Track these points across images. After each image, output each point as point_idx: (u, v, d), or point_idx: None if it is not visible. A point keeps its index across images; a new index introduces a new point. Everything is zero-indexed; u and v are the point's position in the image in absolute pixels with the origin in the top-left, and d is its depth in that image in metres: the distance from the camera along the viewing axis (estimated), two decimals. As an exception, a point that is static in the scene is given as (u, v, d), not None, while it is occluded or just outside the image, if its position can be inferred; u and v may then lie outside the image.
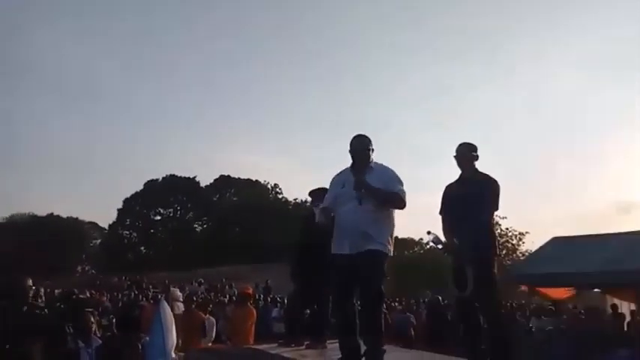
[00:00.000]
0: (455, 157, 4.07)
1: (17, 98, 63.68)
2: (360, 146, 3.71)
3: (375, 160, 3.75)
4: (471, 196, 3.82)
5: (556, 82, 62.46)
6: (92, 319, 4.75)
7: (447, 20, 65.88)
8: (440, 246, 3.93)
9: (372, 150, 3.75)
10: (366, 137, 3.77)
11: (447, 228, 4.00)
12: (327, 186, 3.96)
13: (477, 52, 66.71)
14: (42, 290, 4.19)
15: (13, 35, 61.39)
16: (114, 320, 5.57)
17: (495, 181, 3.94)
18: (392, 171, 3.73)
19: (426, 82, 67.17)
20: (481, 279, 3.73)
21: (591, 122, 66.17)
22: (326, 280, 4.41)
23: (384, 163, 3.78)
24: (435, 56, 67.77)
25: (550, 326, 10.54)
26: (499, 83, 66.66)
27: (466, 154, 4.04)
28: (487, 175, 3.99)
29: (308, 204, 5.14)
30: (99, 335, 5.34)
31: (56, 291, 9.94)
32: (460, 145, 4.07)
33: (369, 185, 3.55)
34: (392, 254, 3.63)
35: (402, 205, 3.66)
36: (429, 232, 3.97)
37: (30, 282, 3.71)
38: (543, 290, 11.00)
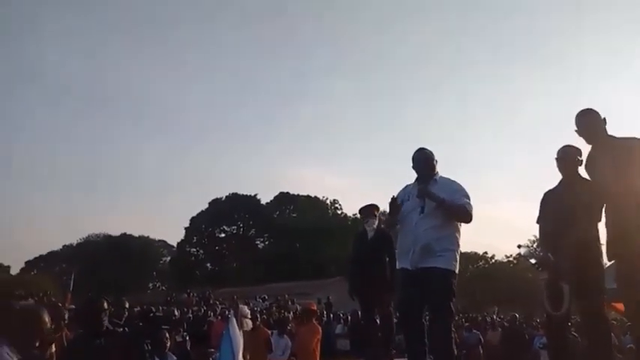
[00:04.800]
0: (557, 159, 3.66)
1: (95, 125, 68.06)
2: (423, 158, 3.69)
3: (440, 174, 3.71)
4: (573, 205, 3.46)
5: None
6: (167, 336, 4.98)
7: (488, 35, 64.16)
8: (533, 260, 3.67)
9: (436, 162, 3.72)
10: (428, 150, 3.75)
11: (543, 240, 3.71)
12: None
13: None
14: (126, 304, 4.38)
15: (91, 61, 65.86)
16: (187, 337, 5.80)
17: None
18: (457, 184, 3.67)
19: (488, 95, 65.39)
20: (583, 295, 3.41)
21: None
22: (387, 295, 4.42)
23: (450, 177, 3.72)
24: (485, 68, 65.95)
25: (630, 344, 9.87)
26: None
27: (570, 157, 3.63)
28: (589, 182, 3.58)
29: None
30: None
31: (135, 309, 10.43)
32: (563, 147, 3.68)
33: (433, 193, 3.49)
34: (457, 270, 3.55)
35: (467, 217, 3.57)
36: (519, 246, 3.80)
37: (105, 304, 3.78)
38: (618, 305, 10.32)
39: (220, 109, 69.81)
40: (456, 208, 3.53)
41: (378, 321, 4.77)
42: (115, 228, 56.68)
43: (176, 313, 11.69)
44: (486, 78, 66.31)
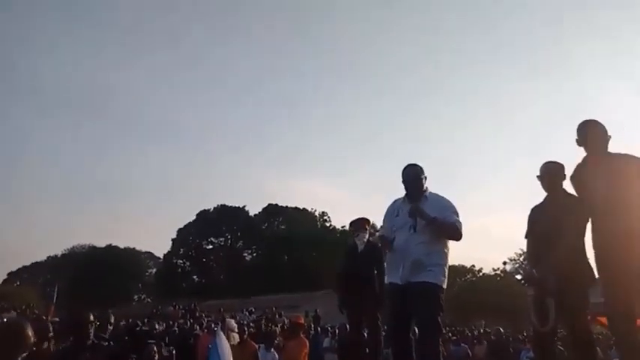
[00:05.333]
0: (539, 177, 3.68)
1: (81, 136, 67.51)
2: (413, 175, 3.70)
3: (430, 190, 3.72)
4: (559, 220, 3.46)
5: None
6: (155, 350, 4.94)
7: (493, 43, 65.14)
8: (519, 276, 3.75)
9: (425, 179, 3.73)
10: (418, 166, 3.76)
11: (529, 255, 3.77)
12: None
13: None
14: (112, 318, 4.30)
15: (78, 69, 65.44)
16: (173, 351, 5.75)
17: (583, 203, 3.54)
18: (447, 200, 3.69)
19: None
20: (568, 310, 3.42)
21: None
22: (376, 309, 4.43)
23: (439, 193, 3.74)
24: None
25: (616, 358, 9.93)
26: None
27: (553, 173, 3.65)
28: (574, 197, 3.61)
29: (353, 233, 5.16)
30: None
31: (121, 323, 10.28)
32: (545, 163, 3.68)
33: (424, 212, 3.51)
34: (445, 285, 3.56)
35: (457, 235, 3.60)
36: (504, 263, 3.80)
37: (91, 317, 3.73)
38: (604, 319, 10.40)
39: (209, 120, 69.80)
40: (447, 227, 3.56)
41: (365, 335, 4.77)
42: (100, 239, 56.00)
43: (157, 326, 11.56)
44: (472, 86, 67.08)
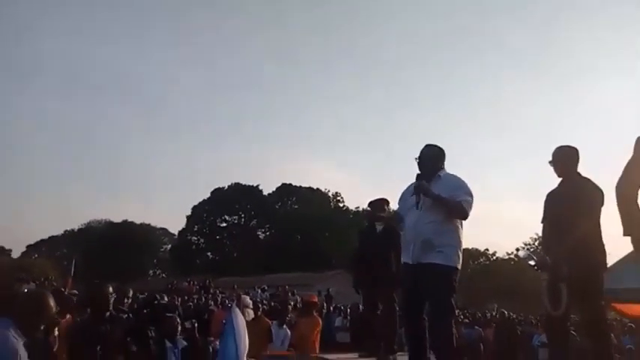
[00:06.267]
0: (552, 162, 3.70)
1: (96, 111, 68.17)
2: (427, 154, 3.67)
3: (446, 171, 3.68)
4: (573, 205, 3.48)
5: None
6: (178, 321, 5.04)
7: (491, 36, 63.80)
8: (532, 262, 3.73)
9: (443, 160, 3.69)
10: (436, 147, 3.72)
11: (544, 241, 3.79)
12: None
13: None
14: (130, 292, 4.41)
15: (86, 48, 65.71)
16: (195, 324, 5.88)
17: (598, 187, 3.56)
18: (460, 180, 3.64)
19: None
20: (581, 295, 3.45)
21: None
22: (392, 290, 4.44)
23: (457, 174, 3.69)
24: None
25: (630, 345, 9.90)
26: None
27: (566, 157, 3.66)
28: (590, 181, 3.61)
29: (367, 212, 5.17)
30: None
31: (140, 296, 10.47)
32: (558, 147, 3.70)
33: (429, 190, 3.49)
34: (459, 267, 3.53)
35: (462, 214, 3.53)
36: (517, 249, 3.83)
37: (111, 289, 3.82)
38: (618, 306, 10.36)
39: (225, 97, 69.81)
40: (452, 205, 3.50)
41: (379, 313, 4.79)
42: (116, 215, 56.83)
43: (177, 300, 11.75)
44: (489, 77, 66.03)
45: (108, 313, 3.70)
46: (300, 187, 50.37)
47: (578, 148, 3.68)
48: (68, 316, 4.45)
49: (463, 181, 3.64)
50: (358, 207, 44.87)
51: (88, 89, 68.33)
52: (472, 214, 3.57)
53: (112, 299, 3.75)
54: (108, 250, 43.68)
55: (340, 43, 68.51)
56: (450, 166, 3.76)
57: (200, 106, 70.72)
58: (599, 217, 3.53)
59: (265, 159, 66.73)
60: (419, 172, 3.65)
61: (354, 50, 68.75)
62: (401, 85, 67.57)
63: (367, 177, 63.04)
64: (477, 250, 41.81)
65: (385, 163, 62.14)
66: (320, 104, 68.37)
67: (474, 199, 3.60)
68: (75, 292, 7.58)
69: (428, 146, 3.72)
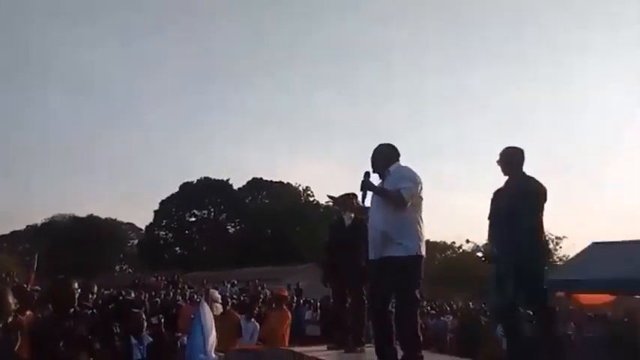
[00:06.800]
0: (499, 161, 3.92)
1: (56, 99, 66.05)
2: (375, 152, 3.80)
3: (399, 164, 3.77)
4: (514, 202, 3.70)
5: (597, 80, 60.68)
6: (143, 317, 4.97)
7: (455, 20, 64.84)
8: (480, 254, 3.93)
9: (394, 156, 3.78)
10: (384, 144, 3.82)
11: (489, 235, 3.97)
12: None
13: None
14: (95, 287, 4.30)
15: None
16: (162, 319, 5.80)
17: (541, 185, 3.79)
18: (406, 170, 3.71)
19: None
20: (525, 285, 3.65)
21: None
22: (361, 283, 4.50)
23: (410, 165, 3.77)
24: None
25: (589, 333, 10.27)
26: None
27: (511, 157, 3.89)
28: (533, 179, 3.84)
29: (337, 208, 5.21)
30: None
31: (105, 291, 10.26)
32: (505, 148, 3.92)
33: (370, 184, 3.61)
34: (422, 254, 3.56)
35: (399, 201, 3.52)
36: (467, 241, 3.96)
37: (76, 285, 3.71)
38: (580, 297, 10.74)
39: (194, 88, 68.74)
40: (389, 194, 3.57)
41: (347, 306, 4.83)
42: (81, 209, 55.41)
43: (144, 295, 11.56)
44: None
45: (72, 310, 3.61)
46: (271, 181, 50.23)
47: (523, 148, 3.91)
48: (29, 312, 4.33)
49: (408, 171, 3.71)
50: (328, 201, 44.91)
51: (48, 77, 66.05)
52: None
53: (77, 295, 3.67)
54: (72, 245, 42.59)
55: (310, 33, 68.35)
56: (408, 156, 3.88)
57: (169, 97, 69.50)
58: (541, 212, 3.78)
59: (236, 153, 66.18)
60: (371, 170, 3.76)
61: (319, 38, 68.62)
62: (369, 76, 67.98)
63: (339, 171, 63.27)
64: (444, 242, 42.66)
65: (358, 156, 62.30)
66: (290, 96, 68.12)
67: (420, 185, 3.65)
68: (37, 288, 7.37)
69: (379, 145, 3.83)
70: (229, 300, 8.83)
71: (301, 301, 14.54)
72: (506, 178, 3.93)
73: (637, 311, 10.85)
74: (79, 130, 66.62)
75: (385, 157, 3.77)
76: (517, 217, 3.66)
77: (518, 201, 3.70)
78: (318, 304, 12.51)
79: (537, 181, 3.81)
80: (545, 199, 3.77)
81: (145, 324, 5.05)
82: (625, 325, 10.12)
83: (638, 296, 10.86)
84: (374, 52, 66.81)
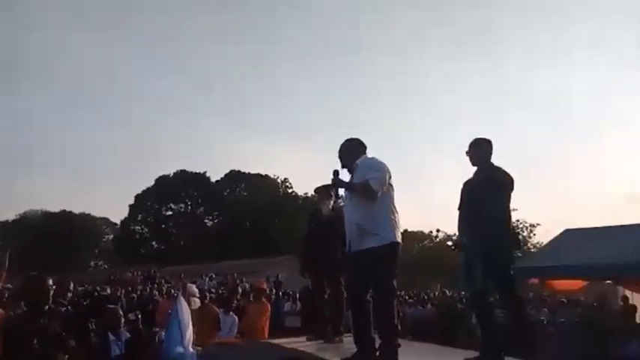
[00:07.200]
0: (467, 152, 4.03)
1: (26, 98, 64.28)
2: (341, 149, 3.85)
3: (366, 156, 3.80)
4: (482, 192, 3.82)
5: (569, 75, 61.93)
6: (120, 313, 4.91)
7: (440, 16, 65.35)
8: (450, 242, 4.01)
9: (360, 150, 3.82)
10: (352, 139, 3.86)
11: (459, 224, 4.05)
12: None
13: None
14: (71, 284, 4.22)
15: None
16: (139, 315, 5.74)
17: (508, 175, 3.90)
18: (373, 161, 3.75)
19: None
20: (496, 274, 3.77)
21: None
22: (339, 274, 4.53)
23: (377, 157, 3.80)
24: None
25: (562, 319, 10.56)
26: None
27: (480, 148, 4.00)
28: (500, 169, 3.94)
29: (315, 199, 5.21)
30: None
31: (80, 288, 10.07)
32: (474, 139, 4.03)
33: (339, 180, 3.68)
34: (398, 240, 3.59)
35: (369, 192, 3.54)
36: (438, 230, 4.04)
37: (50, 281, 3.64)
38: (553, 282, 11.01)
39: (168, 80, 67.67)
40: (358, 187, 3.62)
41: (326, 297, 4.85)
42: (54, 204, 54.23)
43: (120, 291, 11.41)
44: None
45: (46, 307, 3.54)
46: (250, 173, 49.94)
47: (491, 140, 4.02)
48: (0, 310, 4.22)
49: (376, 161, 3.75)
50: (306, 193, 45.08)
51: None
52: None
53: (52, 292, 3.59)
54: (45, 241, 41.72)
55: (295, 26, 67.92)
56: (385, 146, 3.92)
57: (147, 92, 68.27)
58: (509, 201, 3.90)
59: (212, 145, 65.51)
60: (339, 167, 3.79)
61: (303, 34, 68.31)
62: (346, 68, 67.94)
63: (318, 162, 63.29)
64: (422, 232, 43.20)
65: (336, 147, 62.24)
66: (267, 85, 67.68)
67: (388, 173, 3.68)
68: (9, 286, 7.19)
69: (345, 140, 3.87)
70: (207, 294, 8.79)
71: (280, 293, 14.55)
72: (475, 168, 4.03)
73: (606, 296, 11.20)
74: (49, 125, 65.10)
75: (352, 151, 3.81)
76: (485, 206, 3.77)
77: (486, 191, 3.80)
78: (298, 295, 12.55)
79: (505, 171, 3.92)
80: (512, 189, 3.89)
81: (123, 320, 4.99)
82: (595, 309, 10.44)
83: (609, 281, 11.22)
84: (345, 45, 66.67)
